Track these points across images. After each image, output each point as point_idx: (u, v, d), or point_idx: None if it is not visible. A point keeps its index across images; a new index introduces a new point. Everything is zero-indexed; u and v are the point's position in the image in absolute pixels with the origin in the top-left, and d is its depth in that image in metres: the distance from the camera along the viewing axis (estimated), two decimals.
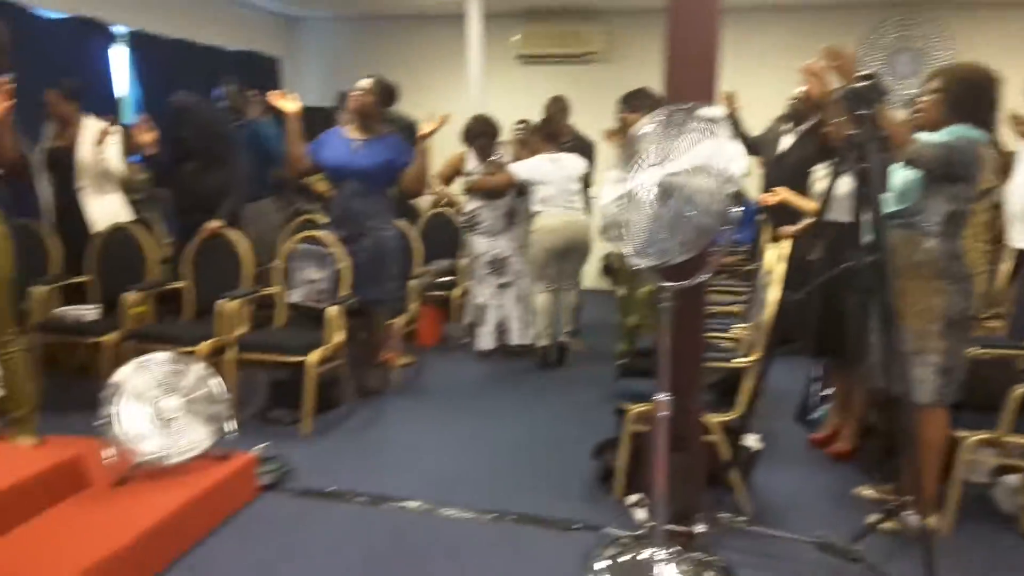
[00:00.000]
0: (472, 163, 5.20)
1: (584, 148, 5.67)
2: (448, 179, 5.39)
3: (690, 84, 2.58)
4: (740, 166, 2.25)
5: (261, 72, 7.34)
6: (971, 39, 6.91)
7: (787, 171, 5.43)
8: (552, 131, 5.24)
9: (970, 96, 2.71)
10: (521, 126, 5.71)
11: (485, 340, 5.10)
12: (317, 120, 7.72)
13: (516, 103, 7.52)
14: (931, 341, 2.75)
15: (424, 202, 6.01)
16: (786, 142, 5.47)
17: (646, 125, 2.51)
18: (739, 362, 2.99)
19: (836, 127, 3.33)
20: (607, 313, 6.79)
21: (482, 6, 6.02)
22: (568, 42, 7.60)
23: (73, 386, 4.48)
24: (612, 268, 7.59)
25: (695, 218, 2.26)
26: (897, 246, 2.71)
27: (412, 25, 8.02)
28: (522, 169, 4.94)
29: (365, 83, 4.21)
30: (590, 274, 7.78)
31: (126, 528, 2.53)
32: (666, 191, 2.36)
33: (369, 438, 3.84)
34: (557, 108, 5.80)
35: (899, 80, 7.14)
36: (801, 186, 5.06)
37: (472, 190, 5.04)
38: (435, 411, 4.22)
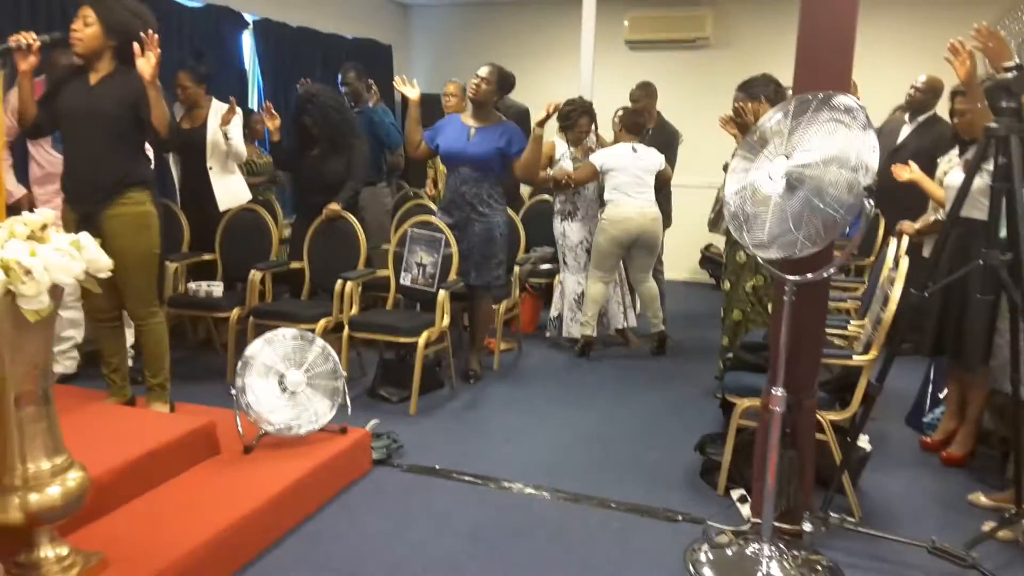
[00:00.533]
0: (561, 149, 5.21)
1: (667, 137, 5.55)
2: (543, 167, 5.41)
3: (825, 70, 2.49)
4: (876, 157, 2.18)
5: (375, 59, 7.55)
6: None
7: (904, 162, 5.24)
8: (637, 120, 5.19)
9: None
10: (621, 112, 5.69)
11: (585, 327, 5.11)
12: (426, 106, 7.91)
13: (624, 89, 7.50)
14: None
15: (525, 188, 6.07)
16: (904, 132, 5.28)
17: (774, 113, 2.47)
18: (858, 359, 2.92)
19: (971, 115, 3.18)
20: (703, 304, 6.75)
21: None
22: (676, 27, 7.49)
23: (199, 357, 4.79)
24: (713, 260, 7.50)
25: (825, 211, 2.21)
26: None
27: (520, 10, 8.07)
28: (600, 158, 4.96)
29: (483, 71, 4.28)
30: (687, 265, 7.72)
31: (254, 494, 2.69)
32: (794, 182, 2.32)
33: (472, 420, 3.94)
34: (644, 95, 5.70)
35: None
36: None
37: (556, 182, 5.04)
38: (534, 398, 4.29)
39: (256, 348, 3.09)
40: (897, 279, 2.91)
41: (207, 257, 4.68)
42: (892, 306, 2.87)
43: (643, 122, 5.34)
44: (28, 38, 2.93)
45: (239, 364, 3.06)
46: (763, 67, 7.37)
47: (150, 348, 3.30)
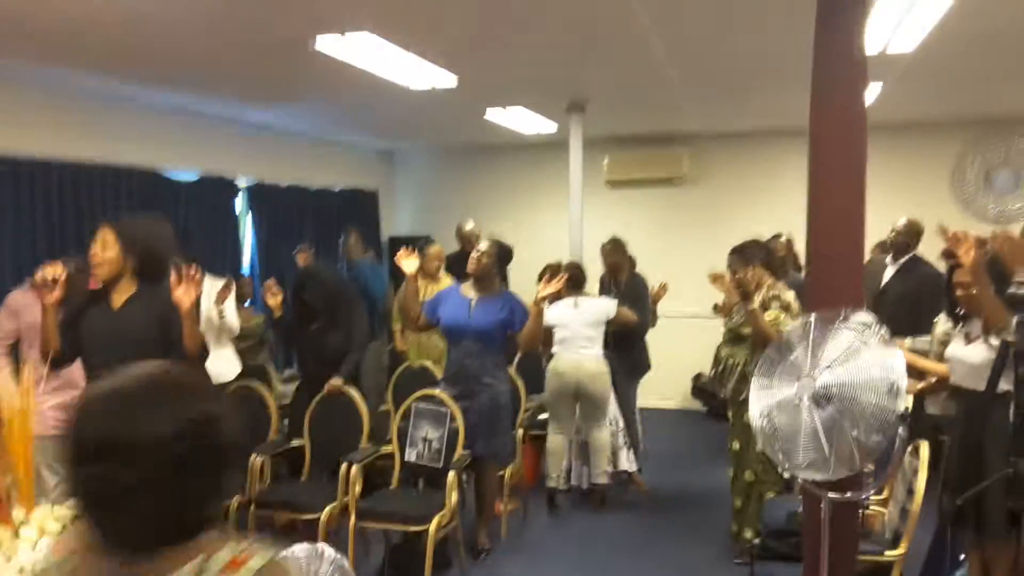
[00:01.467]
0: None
1: (638, 289, 5.59)
2: None
3: (836, 213, 2.54)
4: (904, 379, 2.21)
5: (362, 206, 7.69)
6: None
7: (889, 305, 5.38)
8: (577, 275, 5.19)
9: None
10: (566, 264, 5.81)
11: (549, 481, 5.09)
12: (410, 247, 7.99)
13: (605, 227, 7.67)
14: None
15: None
16: (887, 274, 5.42)
17: (791, 329, 2.51)
18: (889, 555, 2.88)
19: (974, 295, 3.26)
20: (698, 437, 6.72)
21: (580, 134, 6.22)
22: (654, 166, 7.74)
23: None
24: (704, 390, 7.51)
25: (859, 440, 2.22)
26: None
27: (499, 154, 8.32)
28: (547, 314, 4.89)
29: (483, 246, 4.36)
30: (679, 392, 7.72)
31: None
32: (821, 403, 2.34)
33: None
34: (613, 250, 5.71)
35: (999, 196, 7.01)
36: (903, 320, 4.98)
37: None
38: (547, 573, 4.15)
39: None
40: (920, 469, 2.92)
41: None
42: (918, 499, 2.86)
43: (583, 278, 5.32)
44: (54, 272, 2.92)
45: None
46: (739, 200, 7.72)
47: None
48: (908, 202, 6.93)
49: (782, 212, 6.91)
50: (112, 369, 2.98)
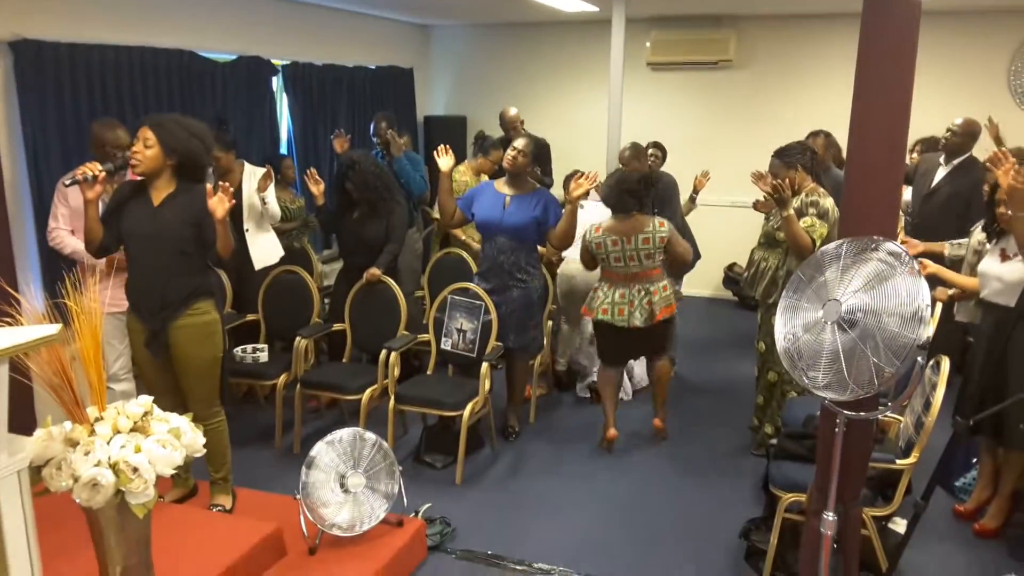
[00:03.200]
0: None
1: (667, 191, 5.42)
2: None
3: (881, 107, 2.52)
4: (929, 309, 2.26)
5: (397, 84, 7.59)
6: None
7: (937, 207, 5.31)
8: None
9: None
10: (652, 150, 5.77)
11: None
12: (447, 128, 7.94)
13: (646, 112, 7.54)
14: None
15: None
16: (939, 175, 5.32)
17: (822, 252, 2.55)
18: (901, 463, 3.02)
19: (1011, 218, 3.24)
20: (726, 326, 6.85)
21: (623, 13, 6.00)
22: (699, 49, 7.47)
23: (243, 413, 4.91)
24: (735, 280, 7.57)
25: (879, 365, 2.30)
26: None
27: (540, 32, 8.06)
28: (582, 216, 4.66)
29: (519, 143, 4.35)
30: (711, 282, 7.80)
31: None
32: (845, 327, 2.40)
33: (516, 490, 4.06)
34: (633, 156, 5.53)
35: None
36: (950, 222, 4.94)
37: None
38: (573, 459, 4.41)
39: (318, 450, 3.21)
40: (939, 384, 3.01)
41: (251, 318, 4.79)
42: (934, 412, 2.97)
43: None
44: (94, 169, 3.02)
45: (304, 464, 3.17)
46: (785, 88, 7.49)
47: (214, 447, 3.41)
48: (960, 94, 6.71)
49: (830, 100, 6.73)
50: (153, 262, 3.16)
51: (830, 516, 2.62)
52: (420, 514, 3.59)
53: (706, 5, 6.97)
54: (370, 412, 4.29)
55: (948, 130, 5.21)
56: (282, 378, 4.43)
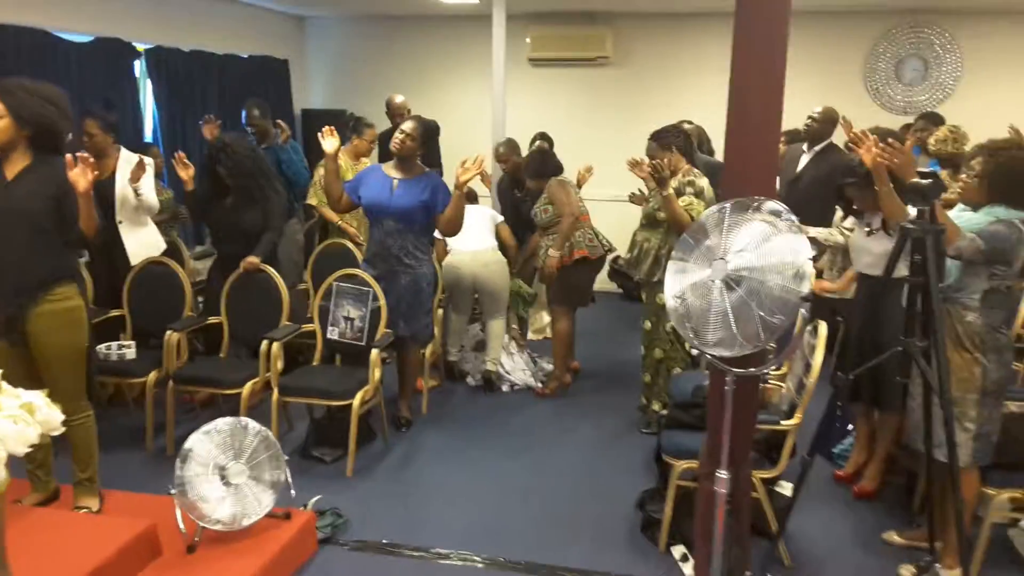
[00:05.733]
0: None
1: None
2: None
3: (756, 98, 2.60)
4: (810, 264, 2.33)
5: (272, 75, 7.32)
6: (976, 47, 7.01)
7: (802, 192, 5.57)
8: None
9: (1009, 182, 2.82)
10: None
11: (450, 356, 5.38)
12: (326, 122, 7.72)
13: (528, 106, 7.58)
14: (969, 408, 2.90)
15: None
16: (803, 161, 5.59)
17: (707, 214, 2.59)
18: (785, 424, 3.12)
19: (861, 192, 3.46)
20: (613, 317, 6.97)
21: (503, 7, 6.02)
22: (577, 46, 7.60)
23: (110, 415, 4.54)
24: (620, 272, 7.72)
25: (765, 318, 2.35)
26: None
27: (420, 25, 7.98)
28: None
29: (407, 126, 4.25)
30: (598, 276, 7.91)
31: None
32: (732, 285, 2.45)
33: (409, 480, 3.94)
34: (510, 151, 5.74)
35: (906, 87, 7.23)
36: (815, 207, 5.19)
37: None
38: (467, 446, 4.34)
39: (193, 441, 2.99)
40: (818, 346, 3.13)
41: (115, 314, 4.45)
42: (815, 373, 3.08)
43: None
44: None
45: (178, 457, 2.95)
46: (661, 84, 7.72)
47: (79, 445, 3.14)
48: (821, 90, 7.09)
49: (704, 96, 6.96)
50: (7, 241, 2.86)
51: (723, 474, 2.66)
52: (309, 507, 3.42)
53: (582, 2, 7.10)
54: (251, 408, 4.06)
55: (809, 117, 5.48)
56: (152, 375, 4.13)
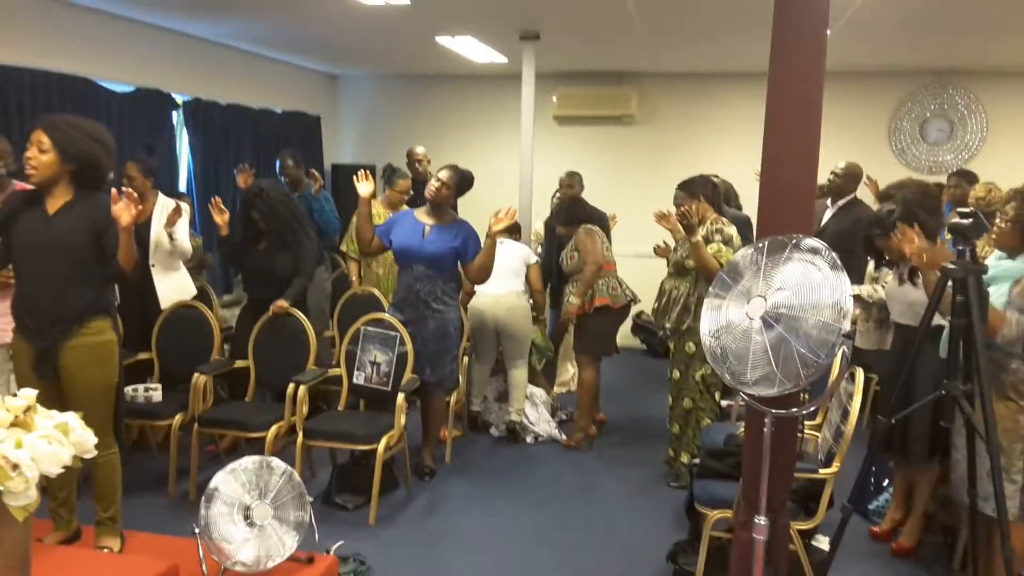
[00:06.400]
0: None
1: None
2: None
3: (791, 158, 2.60)
4: (850, 300, 2.30)
5: (305, 131, 7.48)
6: (1001, 108, 7.04)
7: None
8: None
9: None
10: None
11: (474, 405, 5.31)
12: (351, 178, 7.87)
13: (553, 163, 7.65)
14: (1016, 459, 2.81)
15: None
16: (826, 216, 5.58)
17: (746, 252, 2.57)
18: (824, 473, 3.03)
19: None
20: (636, 373, 6.90)
21: (532, 66, 6.17)
22: (602, 104, 7.72)
23: (132, 460, 4.51)
24: (645, 328, 7.68)
25: (805, 355, 2.31)
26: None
27: (448, 84, 8.16)
28: None
29: (443, 175, 4.31)
30: (621, 331, 7.87)
31: None
32: (771, 322, 2.41)
33: (434, 529, 3.86)
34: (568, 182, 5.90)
35: (932, 146, 7.25)
36: (840, 260, 5.16)
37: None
38: (492, 496, 4.26)
39: (219, 480, 2.94)
40: (855, 393, 3.06)
41: (143, 357, 4.47)
42: (853, 419, 3.01)
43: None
44: None
45: (203, 497, 2.90)
46: (684, 141, 7.79)
47: (103, 483, 3.11)
48: (846, 150, 7.11)
49: (727, 154, 7.03)
50: (47, 275, 2.89)
51: (762, 520, 2.58)
52: (332, 552, 3.34)
53: (608, 62, 7.24)
54: (275, 453, 4.01)
55: (832, 173, 5.49)
56: (177, 418, 4.12)
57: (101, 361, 3.01)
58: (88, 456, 1.95)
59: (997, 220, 2.97)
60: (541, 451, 4.96)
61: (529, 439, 5.08)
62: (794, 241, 2.46)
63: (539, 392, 5.39)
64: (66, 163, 2.93)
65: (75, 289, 2.94)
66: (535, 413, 5.20)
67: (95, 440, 1.96)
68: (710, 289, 2.62)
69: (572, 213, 5.14)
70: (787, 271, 2.44)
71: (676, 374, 4.41)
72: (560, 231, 5.19)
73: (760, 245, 2.52)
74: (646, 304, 6.81)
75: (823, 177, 5.64)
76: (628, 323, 7.80)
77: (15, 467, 1.70)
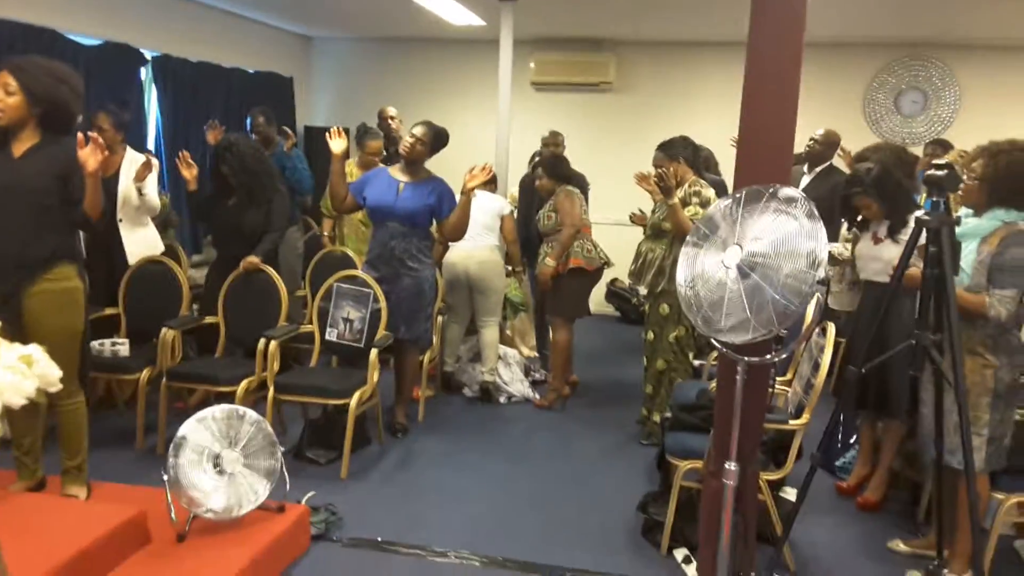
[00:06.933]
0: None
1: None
2: None
3: (768, 126, 2.61)
4: (825, 249, 2.30)
5: (277, 92, 7.36)
6: (974, 80, 7.10)
7: None
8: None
9: (1010, 184, 2.82)
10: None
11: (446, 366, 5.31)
12: (324, 140, 7.77)
13: (532, 130, 7.60)
14: (982, 412, 2.85)
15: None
16: (804, 182, 5.62)
17: (723, 202, 2.57)
18: (793, 424, 3.06)
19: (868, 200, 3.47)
20: (610, 339, 6.93)
21: (511, 29, 6.10)
22: (580, 71, 7.66)
23: (99, 417, 4.45)
24: (619, 294, 7.70)
25: (779, 302, 2.31)
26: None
27: (425, 48, 8.05)
28: None
29: (418, 130, 4.25)
30: (593, 298, 7.89)
31: None
32: (747, 271, 2.41)
33: (405, 482, 3.86)
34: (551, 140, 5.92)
35: (906, 118, 7.30)
36: None
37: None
38: (464, 452, 4.26)
39: (188, 429, 2.91)
40: (826, 346, 3.09)
41: (109, 312, 4.39)
42: (823, 372, 3.04)
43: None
44: None
45: (171, 445, 2.87)
46: (663, 110, 7.77)
47: (69, 430, 3.06)
48: (821, 120, 7.13)
49: (705, 123, 7.01)
50: (11, 219, 2.82)
51: (732, 466, 2.60)
52: (304, 502, 3.32)
53: (587, 29, 7.18)
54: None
55: (811, 139, 5.52)
56: (145, 372, 4.06)
57: (66, 307, 2.95)
58: (52, 389, 1.91)
59: (964, 177, 2.99)
60: (514, 411, 4.96)
61: (503, 399, 5.08)
62: (771, 191, 2.46)
63: (512, 353, 5.39)
64: (34, 105, 2.86)
65: (40, 234, 2.87)
66: (508, 373, 5.20)
67: (59, 373, 1.92)
68: (687, 239, 2.61)
69: (556, 168, 5.10)
70: (763, 220, 2.44)
71: (651, 335, 4.42)
72: (541, 184, 5.13)
73: (737, 195, 2.52)
74: (620, 270, 6.87)
75: (800, 146, 5.71)
76: (602, 289, 7.84)
77: None
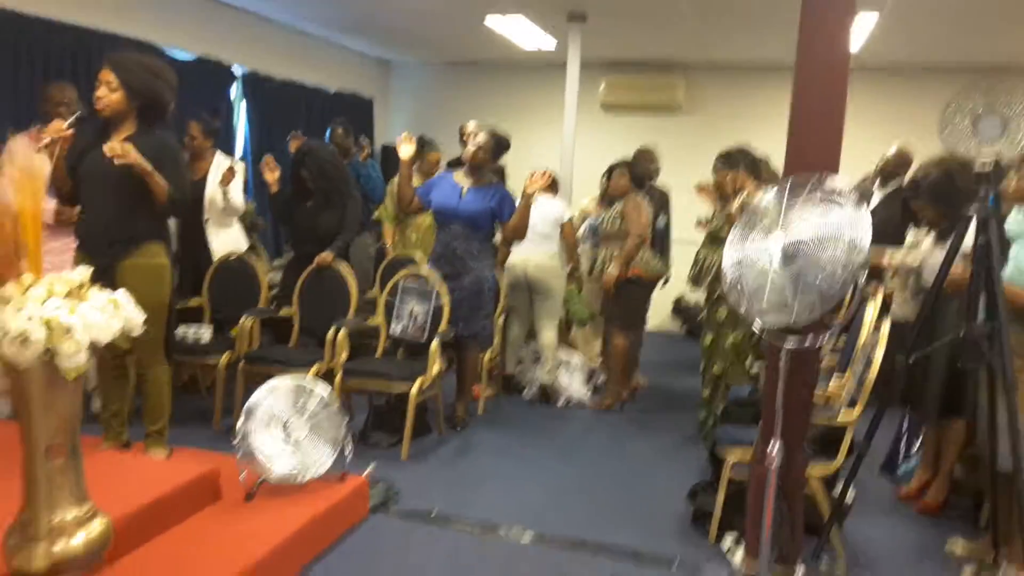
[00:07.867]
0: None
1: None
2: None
3: (814, 145, 2.69)
4: (869, 235, 2.36)
5: (357, 112, 7.73)
6: None
7: (873, 229, 5.52)
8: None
9: None
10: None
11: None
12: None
13: (600, 150, 7.76)
14: None
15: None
16: (875, 200, 5.57)
17: (770, 191, 2.65)
18: (843, 418, 3.07)
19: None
20: (675, 353, 6.95)
21: (578, 51, 6.30)
22: (650, 93, 7.80)
23: (182, 400, 4.73)
24: (684, 311, 7.71)
25: (820, 286, 2.37)
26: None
27: (497, 72, 8.34)
28: None
29: (481, 138, 4.45)
30: (658, 315, 7.91)
31: (257, 542, 2.71)
32: (790, 256, 2.48)
33: (463, 466, 4.01)
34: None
35: (985, 143, 7.13)
36: (885, 243, 5.15)
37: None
38: (522, 445, 4.37)
39: (259, 396, 3.13)
40: (879, 342, 3.10)
41: (194, 302, 4.69)
42: (875, 367, 3.04)
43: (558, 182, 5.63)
44: (58, 131, 3.03)
45: (243, 411, 3.08)
46: (731, 132, 7.77)
47: (153, 397, 3.32)
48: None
49: (773, 146, 6.99)
50: (103, 200, 3.12)
51: (776, 447, 2.63)
52: (364, 474, 3.48)
53: (656, 51, 7.32)
54: None
55: (882, 158, 5.49)
56: (225, 356, 4.32)
57: (154, 281, 3.22)
58: (135, 334, 2.12)
59: (1013, 174, 2.98)
60: (572, 412, 5.06)
61: (561, 402, 5.18)
62: (815, 179, 2.53)
63: (576, 358, 5.47)
64: (132, 99, 3.15)
65: (131, 214, 3.16)
66: (569, 377, 5.29)
67: (143, 317, 2.13)
68: (736, 225, 2.69)
69: (637, 169, 5.27)
70: (808, 207, 2.51)
71: (707, 339, 4.46)
72: (616, 183, 5.19)
73: (784, 184, 2.60)
74: (682, 286, 6.90)
75: (869, 164, 5.69)
76: (668, 306, 7.88)
77: (68, 331, 1.88)
